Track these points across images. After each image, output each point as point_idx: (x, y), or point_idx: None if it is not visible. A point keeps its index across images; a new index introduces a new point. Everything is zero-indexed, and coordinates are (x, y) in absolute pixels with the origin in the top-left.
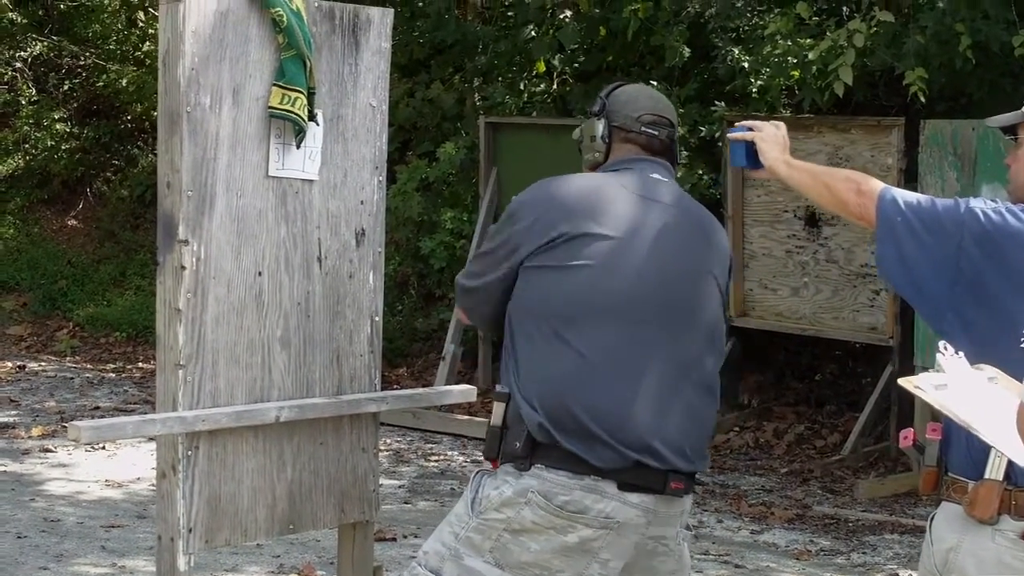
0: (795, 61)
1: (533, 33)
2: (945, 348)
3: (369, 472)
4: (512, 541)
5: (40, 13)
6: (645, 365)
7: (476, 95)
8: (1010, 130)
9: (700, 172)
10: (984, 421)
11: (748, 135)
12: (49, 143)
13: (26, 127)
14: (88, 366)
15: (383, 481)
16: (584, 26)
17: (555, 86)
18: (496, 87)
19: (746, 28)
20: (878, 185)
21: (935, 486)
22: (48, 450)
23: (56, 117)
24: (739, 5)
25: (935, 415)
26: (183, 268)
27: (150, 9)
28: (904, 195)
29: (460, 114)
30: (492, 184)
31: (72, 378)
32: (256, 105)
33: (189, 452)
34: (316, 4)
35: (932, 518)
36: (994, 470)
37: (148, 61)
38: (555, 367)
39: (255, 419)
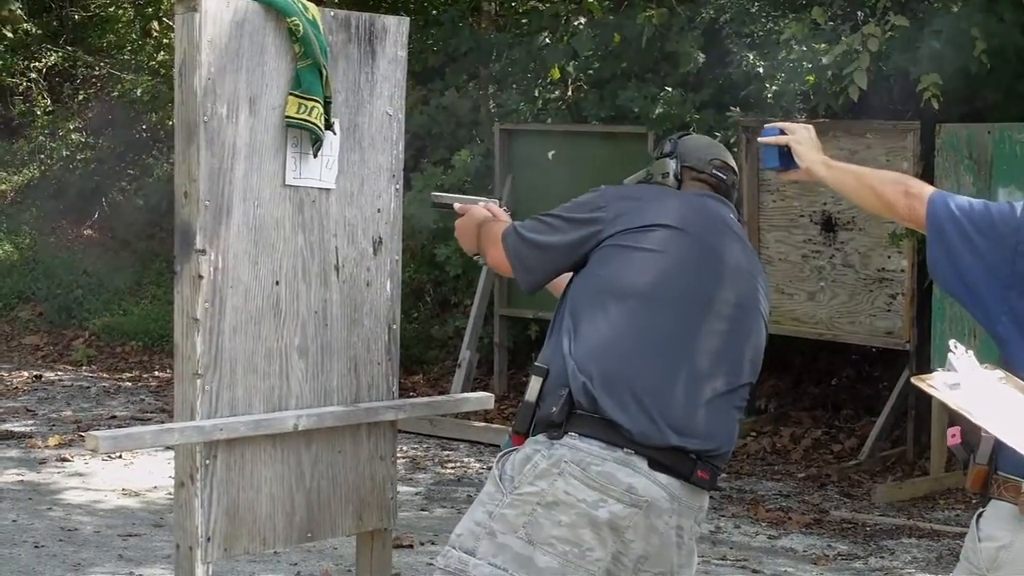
0: (810, 66)
1: (547, 40)
2: (956, 347)
3: (387, 480)
4: (544, 515)
5: (55, 24)
6: (698, 359)
7: (491, 102)
8: None
9: None
10: (997, 420)
11: (782, 139)
12: (64, 153)
13: (41, 137)
14: (104, 375)
15: (400, 488)
16: (598, 32)
17: (570, 92)
18: (511, 94)
19: (761, 33)
20: (928, 188)
21: (984, 484)
22: (65, 459)
23: (71, 127)
24: (753, 10)
25: (952, 418)
26: (200, 277)
27: (164, 19)
28: (955, 198)
29: (475, 121)
30: (507, 191)
31: (88, 387)
32: (273, 114)
33: (207, 461)
34: (332, 13)
35: (979, 516)
36: None
37: (163, 71)
38: (615, 339)
39: (273, 428)
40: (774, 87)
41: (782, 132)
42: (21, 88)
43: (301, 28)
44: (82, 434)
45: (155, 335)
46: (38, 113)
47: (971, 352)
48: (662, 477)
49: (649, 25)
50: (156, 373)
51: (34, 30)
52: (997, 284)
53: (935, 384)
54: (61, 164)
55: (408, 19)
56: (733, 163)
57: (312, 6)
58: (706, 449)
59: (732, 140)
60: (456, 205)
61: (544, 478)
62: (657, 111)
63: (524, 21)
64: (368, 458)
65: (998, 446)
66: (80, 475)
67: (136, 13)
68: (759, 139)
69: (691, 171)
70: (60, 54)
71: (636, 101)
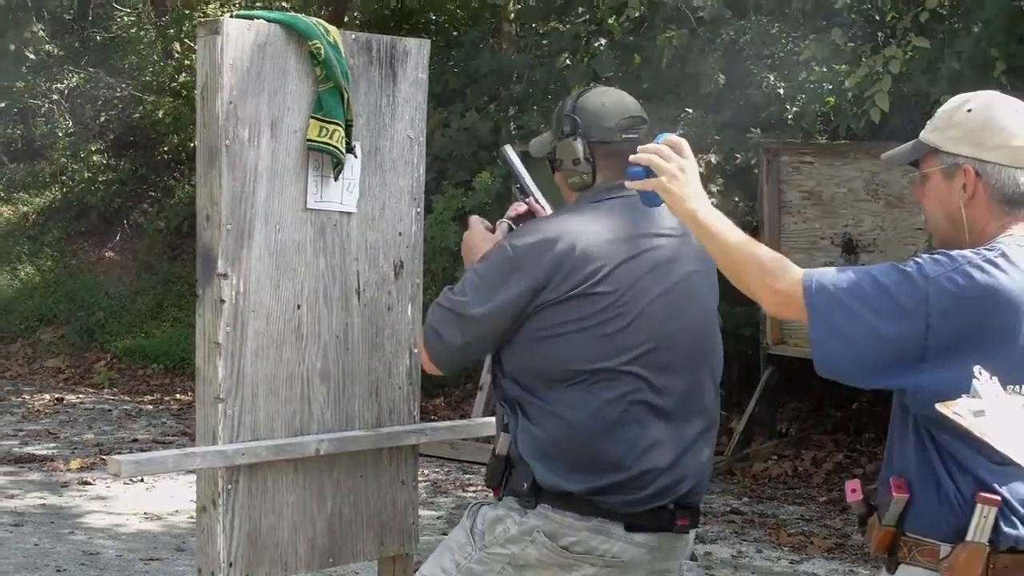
0: (830, 87)
1: (568, 61)
2: (980, 372)
3: (408, 504)
4: (515, 574)
5: (76, 45)
6: (664, 409)
7: (511, 124)
8: (914, 165)
9: (736, 199)
10: (1021, 448)
11: (649, 184)
12: (86, 175)
13: (63, 159)
14: (126, 398)
15: (421, 512)
16: (619, 54)
17: None
18: (531, 115)
19: (781, 54)
20: (796, 275)
21: (891, 547)
22: (87, 483)
23: (93, 149)
24: (774, 32)
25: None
26: (222, 301)
27: (186, 40)
28: (834, 279)
29: (496, 143)
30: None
31: (110, 410)
32: (294, 138)
33: (229, 486)
34: (353, 36)
35: None
36: (979, 532)
37: (184, 92)
38: (573, 415)
39: (295, 452)
40: (795, 108)
41: (648, 171)
42: (43, 109)
43: (322, 51)
44: (104, 457)
45: (176, 358)
46: (60, 134)
47: (995, 378)
48: (639, 537)
49: (669, 46)
50: (177, 396)
51: (56, 51)
52: (905, 363)
53: (959, 411)
54: (83, 186)
55: (429, 42)
56: (638, 109)
57: (333, 29)
58: (681, 495)
59: (753, 161)
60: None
61: (515, 543)
62: (678, 132)
63: (545, 42)
64: (390, 482)
65: (909, 504)
66: (102, 498)
67: (158, 35)
68: (626, 183)
69: (601, 146)
70: (82, 75)
71: (656, 122)
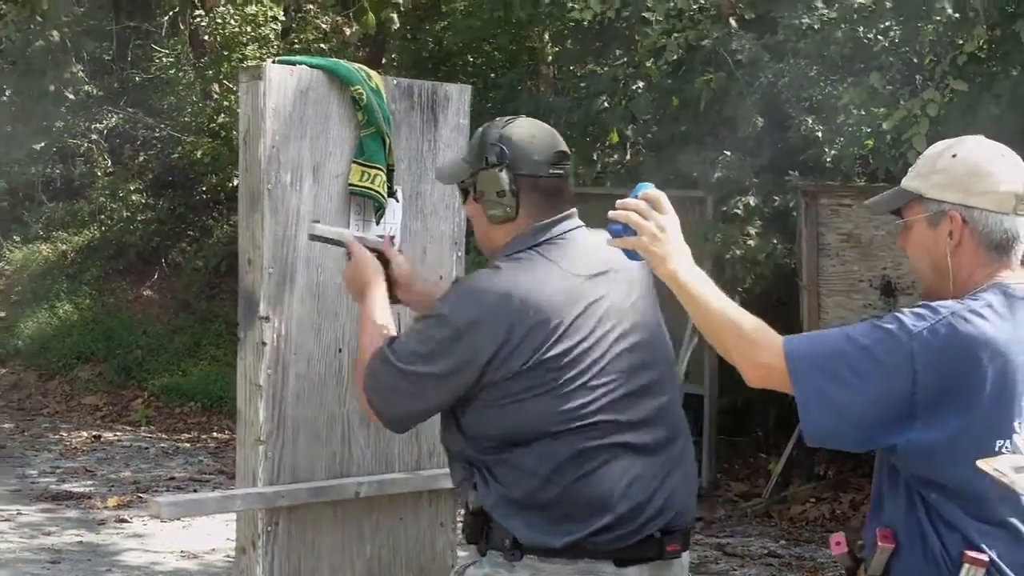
0: (869, 130)
1: (606, 104)
2: (1020, 427)
3: (447, 547)
4: None
5: (116, 85)
6: (639, 444)
7: None
8: (896, 213)
9: (775, 242)
10: None
11: (628, 242)
12: (125, 214)
13: (102, 198)
14: (163, 436)
15: (459, 554)
16: (656, 96)
17: (628, 156)
18: (569, 157)
19: (819, 97)
20: (777, 344)
21: None
22: (124, 520)
23: (131, 188)
24: (812, 74)
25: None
26: (264, 344)
27: (225, 81)
28: (814, 344)
29: None
30: None
31: (147, 448)
32: (336, 182)
33: (269, 528)
34: (395, 82)
35: None
36: None
37: (223, 133)
38: (546, 468)
39: (335, 495)
40: (833, 151)
41: (626, 228)
42: (82, 149)
43: (364, 96)
44: (141, 495)
45: (214, 396)
46: (99, 174)
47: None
48: (631, 571)
49: (707, 89)
50: (215, 434)
51: (95, 92)
52: (895, 422)
53: (1001, 468)
54: (121, 225)
55: (469, 87)
56: (562, 144)
57: (375, 74)
58: (668, 521)
59: (791, 204)
60: (348, 240)
61: None
62: (716, 175)
63: (583, 85)
64: (429, 525)
65: (895, 557)
66: (139, 536)
67: (196, 75)
68: (607, 241)
69: (527, 179)
70: (121, 116)
71: (695, 165)
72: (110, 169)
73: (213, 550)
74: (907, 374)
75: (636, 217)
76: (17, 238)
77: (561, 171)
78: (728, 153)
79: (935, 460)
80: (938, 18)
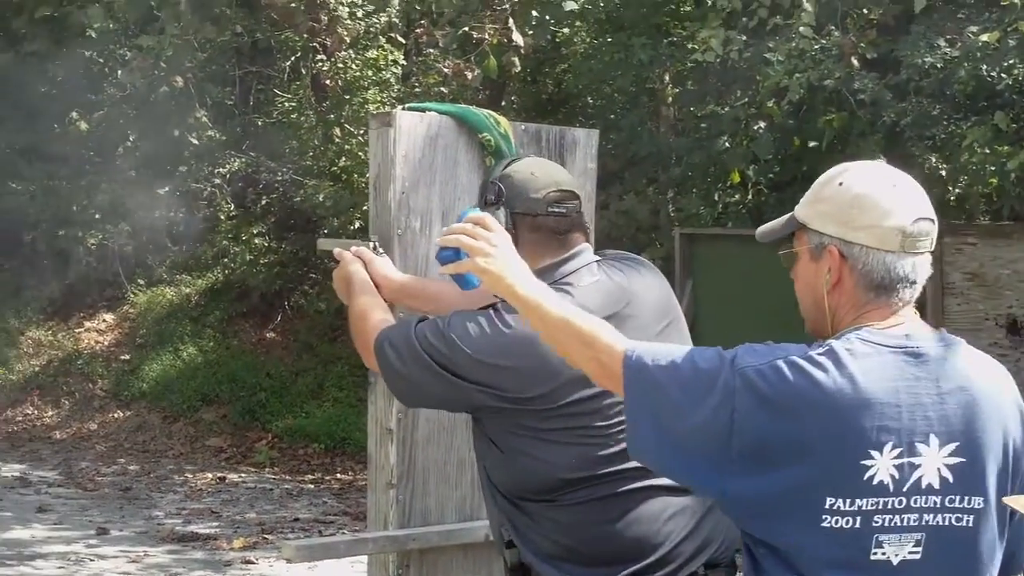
0: (993, 168)
1: (727, 144)
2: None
3: None
4: None
5: (238, 130)
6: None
7: (670, 206)
8: (786, 243)
9: None
10: None
11: (463, 267)
12: (247, 257)
13: (225, 242)
14: (287, 477)
15: None
16: (778, 136)
17: (750, 196)
18: (690, 198)
19: (943, 136)
20: (617, 347)
21: None
22: (250, 561)
23: (254, 232)
24: (935, 113)
25: None
26: None
27: (346, 125)
28: (655, 357)
29: (655, 225)
30: (688, 296)
31: (271, 489)
32: None
33: (400, 571)
34: (523, 127)
35: None
36: None
37: (344, 176)
38: (579, 516)
39: (465, 538)
40: (957, 190)
41: (456, 252)
42: (205, 193)
43: (493, 142)
44: (266, 536)
45: (337, 437)
46: (222, 218)
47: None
48: None
49: (829, 129)
50: (338, 475)
51: (218, 136)
52: (716, 458)
53: None
54: (244, 268)
55: (597, 132)
56: (570, 184)
57: (504, 120)
58: (710, 556)
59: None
60: (336, 251)
61: None
62: None
63: (703, 125)
64: None
65: None
66: None
67: (318, 119)
68: (438, 271)
69: (525, 218)
70: (243, 160)
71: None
72: (233, 213)
73: None
74: (727, 413)
75: (466, 239)
76: (141, 281)
77: (563, 210)
78: None
79: (761, 516)
80: None
